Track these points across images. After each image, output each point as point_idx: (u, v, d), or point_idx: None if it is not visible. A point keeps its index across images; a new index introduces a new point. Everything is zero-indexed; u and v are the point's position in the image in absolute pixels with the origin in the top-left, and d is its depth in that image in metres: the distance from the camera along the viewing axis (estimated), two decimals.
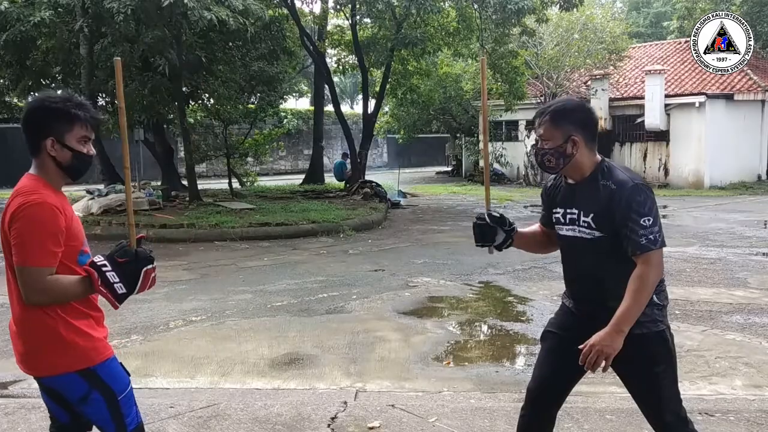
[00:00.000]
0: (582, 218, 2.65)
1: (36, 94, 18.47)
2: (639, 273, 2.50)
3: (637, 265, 2.52)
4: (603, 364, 2.54)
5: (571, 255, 2.79)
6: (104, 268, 2.30)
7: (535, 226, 3.05)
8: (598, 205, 2.60)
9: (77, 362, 2.35)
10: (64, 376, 2.36)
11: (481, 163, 28.59)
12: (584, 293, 2.77)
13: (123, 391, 2.45)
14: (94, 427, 2.63)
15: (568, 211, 2.72)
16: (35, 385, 4.73)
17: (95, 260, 2.32)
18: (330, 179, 24.89)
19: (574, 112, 2.68)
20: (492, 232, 2.85)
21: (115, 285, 2.31)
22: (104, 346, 2.45)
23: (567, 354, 2.78)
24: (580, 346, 2.57)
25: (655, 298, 2.63)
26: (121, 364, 2.51)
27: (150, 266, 2.38)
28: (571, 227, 2.71)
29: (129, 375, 2.53)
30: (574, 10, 19.09)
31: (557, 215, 2.79)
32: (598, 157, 2.69)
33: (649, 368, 2.63)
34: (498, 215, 2.87)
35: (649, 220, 2.50)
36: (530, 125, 26.53)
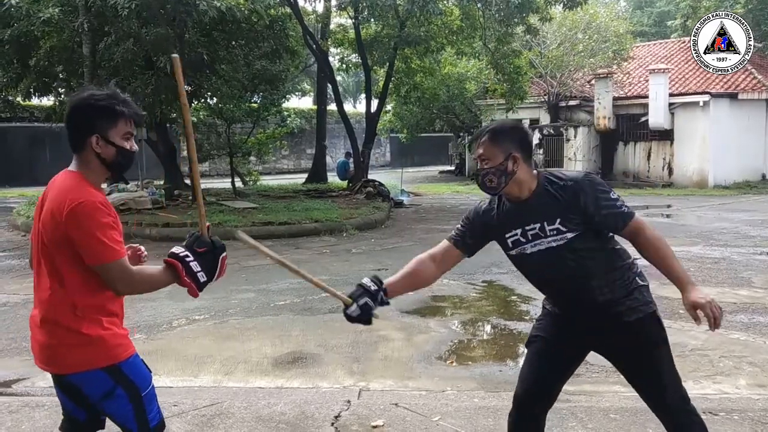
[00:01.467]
0: (548, 228, 2.65)
1: (37, 93, 18.51)
2: (644, 241, 2.59)
3: (635, 234, 2.60)
4: (718, 311, 2.53)
5: (545, 269, 2.74)
6: (187, 259, 2.36)
7: (416, 262, 2.91)
8: (560, 208, 2.62)
9: (104, 359, 2.36)
10: (89, 372, 2.36)
11: None
12: (567, 298, 2.77)
13: (146, 388, 2.47)
14: (105, 426, 2.63)
15: (527, 228, 2.70)
16: (39, 383, 4.78)
17: (176, 251, 2.37)
18: (333, 178, 24.88)
19: (512, 131, 2.75)
20: (368, 310, 2.76)
21: (198, 274, 2.37)
22: (128, 342, 2.46)
23: (553, 358, 2.80)
24: (695, 321, 2.57)
25: (638, 281, 2.70)
26: (142, 360, 2.52)
27: (225, 253, 2.45)
28: (536, 243, 2.69)
29: (151, 372, 2.54)
30: (578, 8, 19.05)
31: (514, 237, 2.74)
32: (535, 171, 2.73)
33: (649, 351, 2.65)
34: (359, 312, 2.76)
35: (614, 193, 2.63)
36: (533, 124, 26.53)
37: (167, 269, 2.36)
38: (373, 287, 2.77)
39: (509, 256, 2.82)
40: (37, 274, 2.42)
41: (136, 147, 2.50)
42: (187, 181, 18.00)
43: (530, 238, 2.70)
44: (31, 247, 2.51)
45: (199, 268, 2.37)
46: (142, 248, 2.71)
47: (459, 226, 2.96)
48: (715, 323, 2.53)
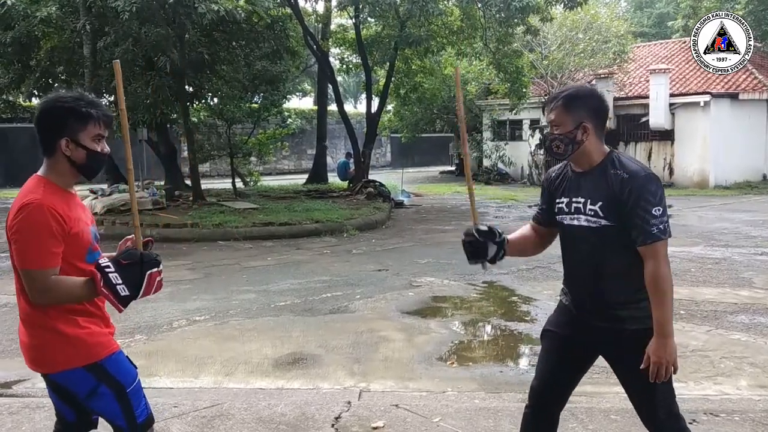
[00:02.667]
0: (588, 207, 2.63)
1: (39, 93, 18.53)
2: (653, 271, 2.50)
3: (646, 260, 2.51)
4: (668, 371, 2.52)
5: (572, 245, 2.76)
6: (107, 269, 2.29)
7: (525, 228, 3.01)
8: (607, 193, 2.58)
9: (83, 357, 2.37)
10: (71, 371, 2.37)
11: (485, 162, 28.57)
12: (582, 284, 2.74)
13: (131, 384, 2.47)
14: (98, 426, 2.64)
15: (574, 200, 2.70)
16: (39, 384, 4.77)
17: (100, 261, 2.32)
18: (333, 179, 24.88)
19: (587, 98, 2.68)
20: (483, 247, 2.79)
21: (118, 287, 2.28)
22: (109, 340, 2.46)
23: (567, 352, 2.78)
24: (642, 367, 2.55)
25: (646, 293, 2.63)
26: (127, 357, 2.53)
27: (155, 269, 2.35)
28: (575, 216, 2.69)
29: (136, 368, 2.54)
30: (579, 9, 19.03)
31: (560, 205, 2.76)
32: (607, 148, 2.68)
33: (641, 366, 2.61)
34: (486, 228, 2.78)
35: (659, 210, 2.50)
36: (534, 124, 26.53)
37: (89, 281, 2.31)
38: (500, 230, 2.81)
39: (557, 221, 2.80)
40: (15, 278, 2.42)
41: (107, 149, 2.47)
42: (188, 182, 18.00)
43: (572, 210, 2.70)
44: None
45: (119, 281, 2.28)
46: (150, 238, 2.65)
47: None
48: (657, 379, 2.53)
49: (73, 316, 2.36)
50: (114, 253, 2.43)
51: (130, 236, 2.57)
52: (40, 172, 2.43)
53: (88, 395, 2.40)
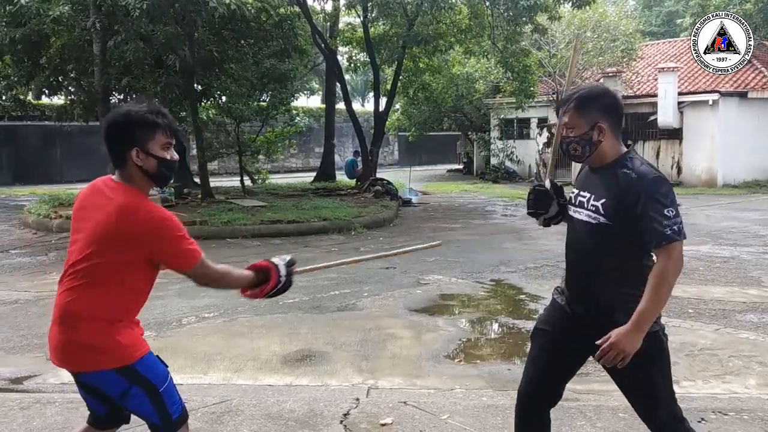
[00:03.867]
0: (591, 202, 2.63)
1: (48, 91, 18.61)
2: (660, 268, 2.45)
3: (659, 259, 2.47)
4: (622, 361, 2.49)
5: (572, 239, 2.77)
6: (280, 282, 2.66)
7: None
8: (612, 192, 2.56)
9: (116, 360, 2.39)
10: (102, 373, 2.40)
11: (493, 160, 28.51)
12: (577, 280, 2.74)
13: (163, 383, 2.49)
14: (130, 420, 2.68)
15: (581, 193, 2.71)
16: (50, 380, 4.82)
17: (280, 271, 2.66)
18: (341, 177, 24.91)
19: (600, 98, 2.65)
20: (548, 200, 2.84)
21: (270, 293, 2.66)
22: (140, 342, 2.49)
23: (557, 352, 2.75)
24: (598, 342, 2.51)
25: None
26: (157, 356, 2.56)
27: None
28: (578, 209, 2.70)
29: (167, 366, 2.58)
30: (587, 7, 18.99)
31: (571, 195, 2.78)
32: (624, 148, 2.66)
33: (647, 369, 2.58)
34: (559, 185, 2.85)
35: (672, 211, 2.45)
36: (542, 123, 26.49)
37: (255, 275, 2.64)
38: (564, 199, 2.88)
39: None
40: (65, 274, 2.45)
41: (176, 156, 2.54)
42: (197, 180, 18.05)
43: (577, 203, 2.71)
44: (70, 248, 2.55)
45: (276, 291, 2.66)
46: None
47: None
48: (603, 360, 2.51)
49: (114, 318, 2.40)
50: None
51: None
52: (122, 181, 2.48)
53: (121, 396, 2.43)
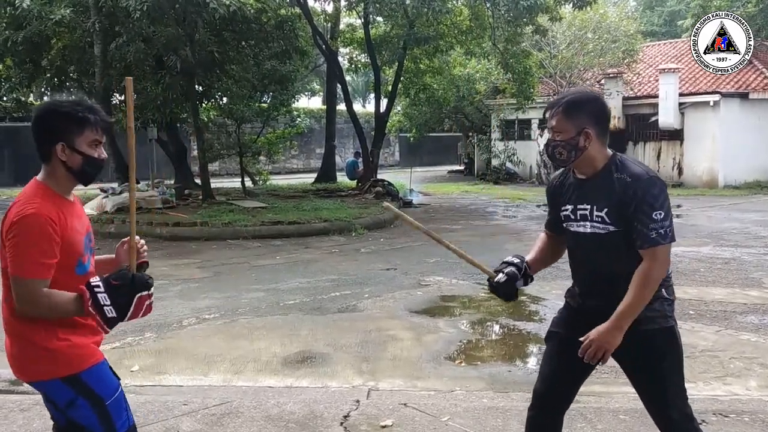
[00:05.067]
0: (595, 213, 2.62)
1: (50, 93, 18.65)
2: (644, 268, 2.50)
3: (644, 260, 2.50)
4: (601, 358, 2.55)
5: (582, 252, 2.75)
6: (96, 290, 2.25)
7: (540, 239, 3.02)
8: (611, 199, 2.56)
9: (60, 369, 2.33)
10: (48, 382, 2.35)
11: (494, 161, 28.49)
12: (595, 290, 2.72)
13: (111, 396, 2.40)
14: None
15: (579, 207, 2.69)
16: None
17: (91, 280, 2.29)
18: (342, 178, 24.91)
19: (588, 104, 2.65)
20: (512, 286, 2.86)
21: (105, 308, 2.25)
22: (90, 352, 2.40)
23: (572, 354, 2.75)
24: (581, 338, 2.58)
25: (664, 293, 2.62)
26: (110, 368, 2.48)
27: (145, 293, 2.31)
28: (582, 223, 2.68)
29: (119, 379, 2.50)
30: (588, 8, 18.99)
31: (566, 212, 2.75)
32: (610, 151, 2.66)
33: (657, 364, 2.61)
34: (506, 277, 2.84)
35: (660, 214, 2.48)
36: (543, 124, 26.48)
37: (79, 298, 2.28)
38: (517, 260, 2.86)
39: (565, 228, 2.81)
40: (2, 283, 2.39)
41: (104, 154, 2.45)
42: (198, 181, 18.07)
43: (578, 217, 2.70)
44: None
45: (107, 302, 2.25)
46: (141, 241, 2.58)
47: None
48: (585, 357, 2.57)
49: (53, 327, 2.32)
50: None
51: (125, 239, 2.54)
52: (38, 177, 2.41)
53: (67, 406, 2.37)
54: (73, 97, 18.15)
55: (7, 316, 2.37)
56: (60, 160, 2.36)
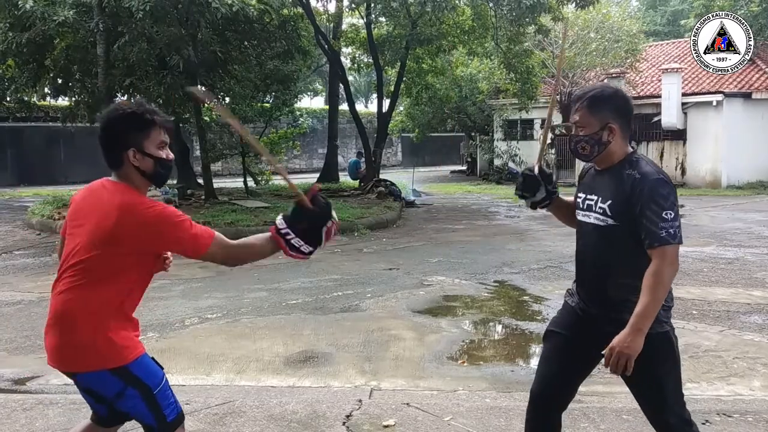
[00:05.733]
0: (599, 204, 2.64)
1: (53, 93, 18.65)
2: (654, 269, 2.46)
3: (653, 260, 2.48)
4: (626, 367, 2.48)
5: (583, 242, 2.77)
6: (288, 236, 2.44)
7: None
8: (618, 193, 2.57)
9: (110, 360, 2.39)
10: (97, 373, 2.40)
11: (496, 161, 28.49)
12: (588, 282, 2.73)
13: (158, 385, 2.48)
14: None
15: (588, 196, 2.72)
16: (53, 381, 4.81)
17: (279, 226, 2.44)
18: (344, 178, 24.90)
19: (612, 98, 2.66)
20: (536, 185, 2.86)
21: (302, 248, 2.45)
22: (135, 344, 2.48)
23: (570, 354, 2.76)
24: (603, 351, 2.53)
25: None
26: (153, 358, 2.55)
27: (329, 223, 2.48)
28: (587, 213, 2.71)
29: (163, 369, 2.57)
30: (590, 8, 18.96)
31: (578, 200, 2.79)
32: (630, 148, 2.67)
33: (653, 369, 2.58)
34: (549, 172, 2.88)
35: (670, 214, 2.47)
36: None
37: (271, 241, 2.46)
38: (554, 186, 2.91)
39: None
40: (61, 276, 2.45)
41: (172, 155, 2.53)
42: (200, 181, 18.08)
43: (585, 207, 2.72)
44: (61, 247, 2.57)
45: (301, 243, 2.44)
46: (168, 253, 2.70)
47: None
48: (610, 369, 2.51)
49: (104, 320, 2.39)
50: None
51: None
52: (120, 181, 2.46)
53: (116, 397, 2.43)
54: (76, 98, 18.21)
55: (59, 309, 2.41)
56: (133, 166, 2.42)
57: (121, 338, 2.42)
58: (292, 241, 2.43)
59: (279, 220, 2.46)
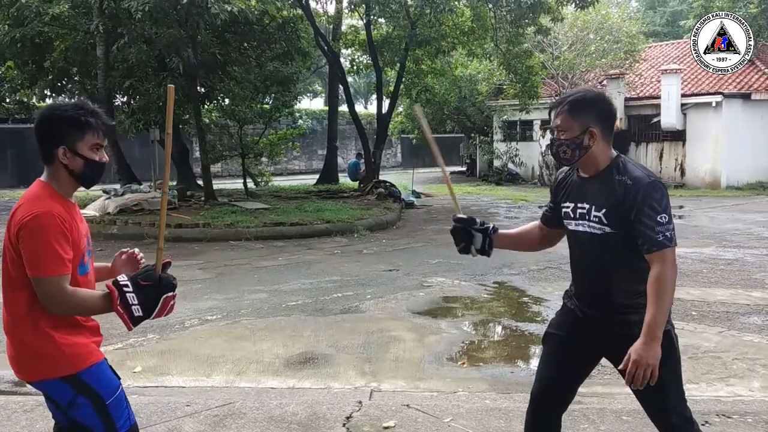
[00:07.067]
0: (593, 213, 2.62)
1: (52, 94, 18.66)
2: (657, 274, 2.46)
3: (653, 265, 2.47)
4: (651, 376, 2.46)
5: (578, 250, 2.75)
6: (125, 289, 2.30)
7: (530, 225, 3.05)
8: (611, 200, 2.56)
9: (60, 369, 2.34)
10: (48, 381, 2.37)
11: (496, 162, 28.51)
12: (589, 289, 2.73)
13: (112, 395, 2.42)
14: None
15: (578, 205, 2.69)
16: None
17: (118, 279, 2.33)
18: (344, 179, 24.91)
19: (594, 103, 2.64)
20: (465, 234, 2.86)
21: (133, 307, 2.30)
22: (89, 351, 2.42)
23: (570, 355, 2.76)
24: (620, 367, 2.52)
25: None
26: (111, 368, 2.50)
27: (170, 294, 2.37)
28: (580, 222, 2.68)
29: (119, 379, 2.51)
30: (590, 9, 18.98)
31: (566, 209, 2.75)
32: (614, 152, 2.65)
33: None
34: (465, 217, 2.87)
35: (664, 217, 2.47)
36: (545, 125, 26.45)
37: (106, 296, 2.31)
38: (482, 224, 2.91)
39: (564, 225, 2.81)
40: (2, 284, 2.41)
41: (106, 158, 2.47)
42: (200, 182, 18.09)
43: (577, 216, 2.69)
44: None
45: (135, 301, 2.30)
46: (136, 250, 2.67)
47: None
48: (632, 381, 2.49)
49: (52, 327, 2.33)
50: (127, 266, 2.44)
51: (125, 249, 2.65)
52: (42, 178, 2.43)
53: (68, 405, 2.38)
54: (75, 99, 18.21)
55: (6, 318, 2.38)
56: (62, 164, 2.38)
57: (71, 346, 2.36)
58: (128, 295, 2.29)
59: (121, 276, 2.36)
